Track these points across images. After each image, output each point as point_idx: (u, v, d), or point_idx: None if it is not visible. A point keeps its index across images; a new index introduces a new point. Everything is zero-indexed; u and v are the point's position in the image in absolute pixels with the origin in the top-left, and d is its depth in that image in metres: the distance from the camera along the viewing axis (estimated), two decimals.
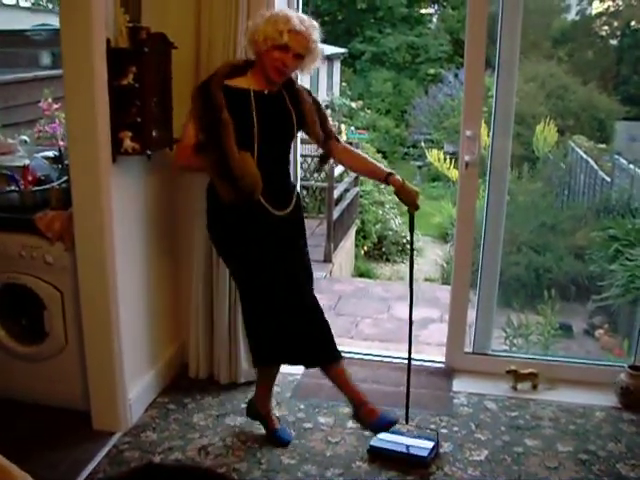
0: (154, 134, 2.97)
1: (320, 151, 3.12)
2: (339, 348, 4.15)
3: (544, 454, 3.06)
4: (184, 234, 3.52)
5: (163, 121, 3.08)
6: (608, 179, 6.08)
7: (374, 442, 3.06)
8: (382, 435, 3.08)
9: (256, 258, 2.87)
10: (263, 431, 3.18)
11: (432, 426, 3.24)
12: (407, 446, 3.03)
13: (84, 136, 2.78)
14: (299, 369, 3.76)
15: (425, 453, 2.97)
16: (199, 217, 3.38)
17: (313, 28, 2.75)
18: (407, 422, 3.17)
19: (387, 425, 2.97)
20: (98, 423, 3.15)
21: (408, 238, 8.51)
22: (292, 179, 3.03)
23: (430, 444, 3.02)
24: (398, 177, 2.98)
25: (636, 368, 3.46)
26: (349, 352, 4.02)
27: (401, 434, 3.12)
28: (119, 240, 2.96)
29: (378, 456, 3.02)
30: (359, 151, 3.33)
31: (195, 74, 3.23)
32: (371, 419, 2.98)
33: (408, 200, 2.98)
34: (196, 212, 3.39)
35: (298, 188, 3.22)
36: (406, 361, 3.87)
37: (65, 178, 3.16)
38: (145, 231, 3.26)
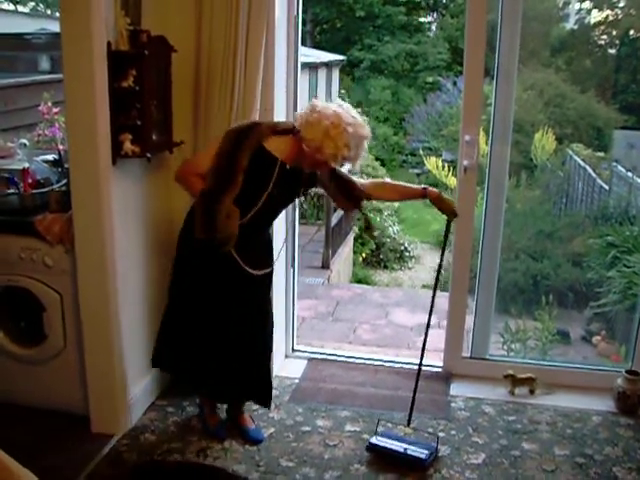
0: (154, 137, 2.99)
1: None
2: (340, 352, 4.19)
3: (541, 458, 3.07)
4: None
5: (163, 124, 3.09)
6: (606, 187, 6.10)
7: (373, 440, 3.07)
8: (383, 434, 3.12)
9: (204, 296, 2.94)
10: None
11: (430, 430, 3.25)
12: (406, 448, 3.04)
13: (84, 138, 2.79)
14: (297, 373, 3.78)
15: (424, 456, 2.98)
16: None
17: (363, 146, 2.74)
18: (409, 425, 3.18)
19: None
20: (97, 426, 3.15)
21: (406, 245, 8.56)
22: (272, 243, 3.06)
23: (430, 447, 3.04)
24: (432, 189, 3.04)
25: (633, 373, 3.47)
26: (348, 357, 4.04)
27: (402, 435, 3.14)
28: (119, 243, 2.97)
29: (376, 454, 3.04)
30: (384, 180, 3.36)
31: (195, 77, 3.25)
32: (250, 425, 3.20)
33: (446, 209, 3.03)
34: None
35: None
36: (404, 365, 3.90)
37: (65, 181, 3.17)
38: (145, 233, 3.26)
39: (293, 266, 3.85)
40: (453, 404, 3.51)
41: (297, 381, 3.70)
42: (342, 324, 5.32)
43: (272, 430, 3.24)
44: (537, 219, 6.00)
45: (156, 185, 3.31)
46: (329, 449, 3.11)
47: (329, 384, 3.67)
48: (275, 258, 3.09)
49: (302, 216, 9.24)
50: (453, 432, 3.26)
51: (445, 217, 3.09)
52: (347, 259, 8.78)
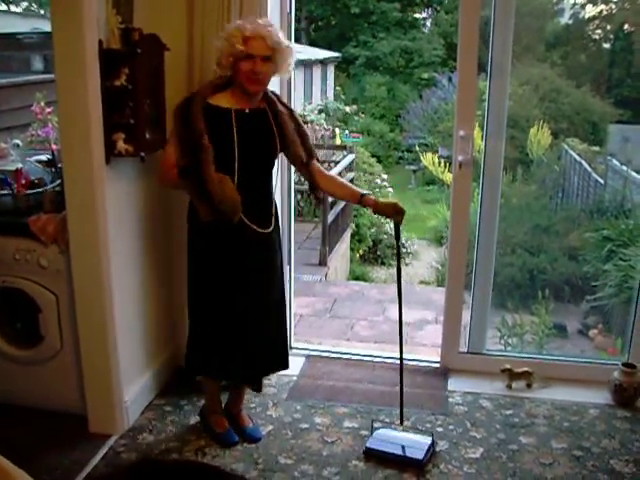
0: (147, 136, 2.98)
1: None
2: (337, 349, 4.19)
3: (538, 451, 3.08)
4: (179, 235, 3.51)
5: (156, 123, 3.09)
6: (601, 181, 6.11)
7: (370, 444, 3.07)
8: (378, 436, 3.10)
9: (223, 281, 2.91)
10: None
11: (428, 425, 3.26)
12: (403, 447, 3.04)
13: (77, 138, 2.79)
14: (295, 370, 3.78)
15: (421, 455, 2.97)
16: None
17: (269, 27, 2.73)
18: (402, 423, 3.18)
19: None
20: (94, 426, 3.15)
21: (403, 241, 8.56)
22: (273, 198, 3.00)
23: (426, 445, 3.03)
24: (371, 196, 2.98)
25: (629, 366, 3.47)
26: (345, 354, 4.04)
27: (397, 434, 3.14)
28: (113, 242, 2.97)
29: (374, 457, 3.03)
30: (332, 173, 3.34)
31: (188, 75, 3.24)
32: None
33: (388, 213, 3.00)
34: None
35: (279, 201, 3.26)
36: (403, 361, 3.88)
37: (58, 181, 3.16)
38: (139, 233, 3.26)
39: (289, 263, 3.85)
40: (451, 399, 3.51)
41: (295, 378, 3.70)
42: (340, 321, 5.31)
43: (270, 427, 3.24)
44: (533, 214, 6.01)
45: (150, 184, 3.30)
46: (327, 446, 3.11)
47: (327, 381, 3.67)
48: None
49: (299, 213, 9.24)
50: (451, 427, 3.26)
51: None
52: (344, 256, 8.78)
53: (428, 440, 3.06)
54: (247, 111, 2.80)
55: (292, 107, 3.01)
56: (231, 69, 2.75)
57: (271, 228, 2.92)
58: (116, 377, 3.10)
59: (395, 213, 2.97)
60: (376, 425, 3.19)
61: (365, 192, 3.01)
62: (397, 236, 3.13)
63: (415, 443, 3.06)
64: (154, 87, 3.05)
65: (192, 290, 3.02)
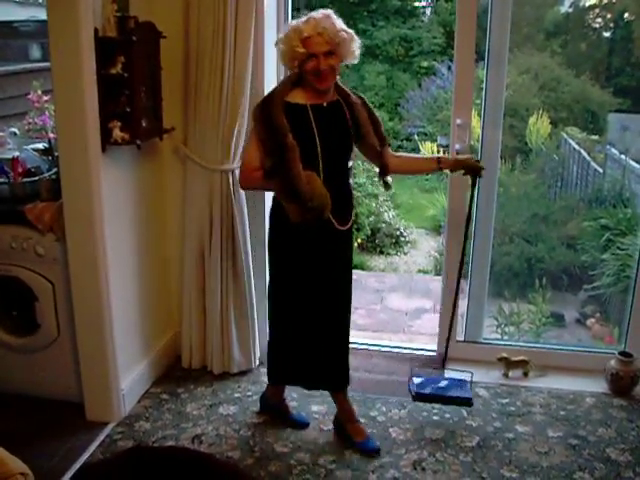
0: (144, 124, 2.98)
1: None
2: None
3: (535, 439, 3.09)
4: (174, 224, 3.53)
5: (152, 111, 3.09)
6: (600, 170, 6.08)
7: (417, 389, 3.27)
8: (421, 382, 3.35)
9: (306, 276, 2.87)
10: (256, 420, 3.21)
11: (424, 413, 3.26)
12: (449, 389, 3.31)
13: (73, 126, 2.78)
14: None
15: (469, 394, 3.29)
16: (190, 206, 3.39)
17: (325, 21, 2.67)
18: (444, 366, 3.49)
19: (372, 451, 3.00)
20: (91, 414, 3.16)
21: (401, 230, 8.55)
22: (352, 192, 2.95)
23: (468, 384, 3.35)
24: (445, 158, 3.07)
25: (626, 354, 3.48)
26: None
27: (440, 380, 3.40)
28: (110, 230, 2.97)
29: (424, 401, 3.28)
30: (401, 152, 3.32)
31: (185, 63, 3.24)
32: (359, 438, 3.04)
33: (468, 168, 3.08)
34: (187, 202, 3.40)
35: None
36: (399, 350, 3.90)
37: (55, 170, 3.16)
38: (136, 221, 3.26)
39: None
40: None
41: None
42: None
43: (267, 416, 3.25)
44: (532, 203, 5.99)
45: (147, 172, 3.30)
46: (324, 434, 3.12)
47: None
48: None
49: None
50: (447, 415, 3.27)
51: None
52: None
53: (468, 378, 3.35)
54: (325, 105, 2.77)
55: (362, 95, 2.96)
56: (298, 69, 2.73)
57: (348, 225, 2.90)
58: (113, 365, 3.11)
59: (474, 169, 3.08)
60: (414, 372, 3.38)
61: (438, 155, 3.06)
62: (472, 193, 3.23)
63: (457, 383, 3.34)
64: (150, 75, 3.05)
65: (275, 292, 2.99)
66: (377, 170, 3.03)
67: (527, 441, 3.08)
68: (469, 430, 3.15)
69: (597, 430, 3.17)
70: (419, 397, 3.26)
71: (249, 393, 3.42)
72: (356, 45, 2.77)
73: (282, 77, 3.53)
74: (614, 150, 6.10)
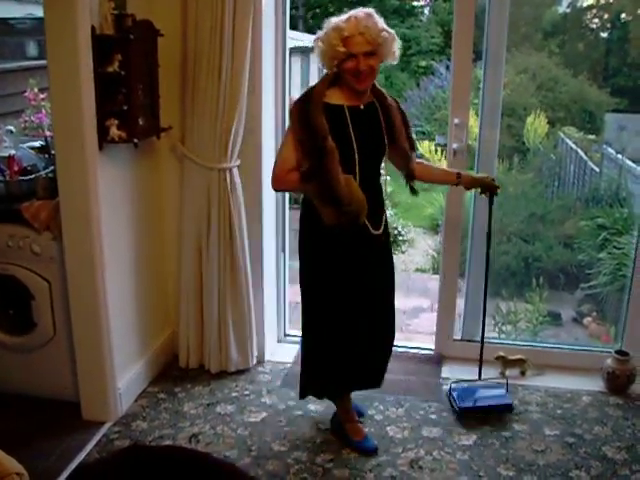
0: (141, 122, 2.97)
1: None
2: None
3: (532, 438, 3.09)
4: (172, 222, 3.52)
5: (150, 109, 3.08)
6: (597, 169, 6.09)
7: (460, 404, 3.27)
8: (462, 395, 3.34)
9: (342, 282, 2.80)
10: (252, 419, 3.20)
11: (421, 412, 3.27)
12: (491, 398, 3.34)
13: (70, 124, 2.77)
14: (289, 358, 3.78)
15: (509, 401, 3.32)
16: (187, 205, 3.39)
17: (367, 20, 2.59)
18: (480, 378, 3.44)
19: (370, 450, 2.99)
20: (88, 413, 3.16)
21: (399, 229, 8.56)
22: (384, 196, 2.90)
23: (504, 392, 3.37)
24: (466, 173, 3.07)
25: (622, 353, 3.49)
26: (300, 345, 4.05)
27: (477, 390, 3.40)
28: (107, 229, 2.96)
29: (471, 414, 3.24)
30: (423, 160, 3.27)
31: (182, 61, 3.23)
32: (357, 437, 3.03)
33: (484, 187, 3.09)
34: (184, 200, 3.40)
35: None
36: (398, 349, 3.89)
37: (51, 168, 3.15)
38: (133, 220, 3.25)
39: (284, 251, 3.85)
40: (445, 386, 3.52)
41: (289, 365, 3.70)
42: None
43: (264, 415, 3.25)
44: (529, 202, 5.99)
45: (144, 171, 3.30)
46: (321, 433, 3.12)
47: None
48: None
49: (295, 201, 9.21)
50: (444, 414, 3.27)
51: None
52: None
53: (503, 388, 3.40)
54: (362, 107, 2.71)
55: (396, 99, 2.89)
56: (336, 68, 2.65)
57: (382, 229, 2.82)
58: (109, 364, 3.10)
59: (490, 188, 3.10)
60: (453, 386, 3.40)
61: (458, 171, 3.07)
62: (490, 206, 3.20)
63: (496, 392, 3.37)
64: (148, 73, 3.04)
65: (315, 303, 2.91)
66: (404, 175, 2.95)
67: (524, 439, 3.08)
68: (466, 428, 3.15)
69: (593, 428, 3.17)
70: (464, 411, 3.24)
71: (246, 392, 3.42)
72: (397, 45, 2.69)
73: (279, 76, 3.54)
74: (611, 150, 6.11)
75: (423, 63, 18.45)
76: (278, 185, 2.79)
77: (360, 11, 2.62)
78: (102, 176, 2.89)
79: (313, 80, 16.11)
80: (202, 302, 3.49)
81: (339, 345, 2.88)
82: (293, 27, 17.53)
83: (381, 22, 2.63)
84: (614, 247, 4.63)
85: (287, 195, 3.81)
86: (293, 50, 12.55)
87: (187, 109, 3.27)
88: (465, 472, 2.86)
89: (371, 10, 2.64)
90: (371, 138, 2.72)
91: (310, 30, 18.58)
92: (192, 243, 3.41)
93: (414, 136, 2.93)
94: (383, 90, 2.84)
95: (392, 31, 2.65)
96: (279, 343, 3.96)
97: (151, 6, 3.10)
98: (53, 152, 3.08)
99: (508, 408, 3.29)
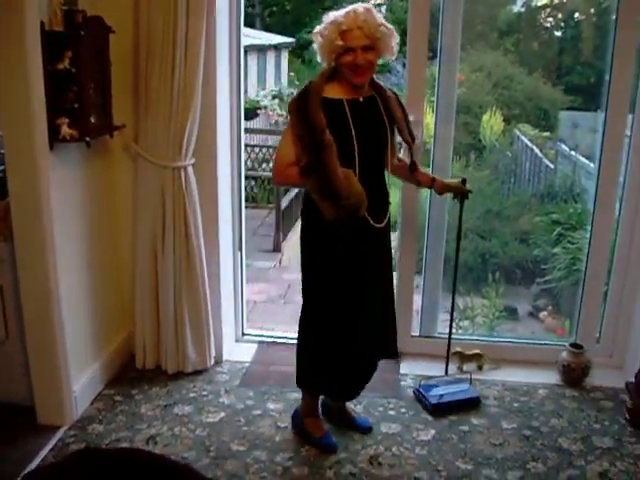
0: (93, 120, 2.92)
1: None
2: (290, 335, 4.18)
3: (489, 431, 3.13)
4: (126, 222, 3.47)
5: (102, 107, 3.03)
6: (552, 166, 6.19)
7: (433, 401, 3.29)
8: (432, 392, 3.35)
9: (342, 276, 2.79)
10: (211, 419, 3.18)
11: (380, 409, 3.28)
12: (460, 393, 3.37)
13: (19, 123, 2.70)
14: (247, 357, 3.77)
15: (476, 394, 3.37)
16: (142, 205, 3.34)
17: (366, 14, 2.60)
18: (447, 374, 3.49)
19: (330, 447, 2.99)
20: (43, 417, 3.09)
21: None
22: (388, 190, 2.88)
23: (468, 386, 3.42)
24: (440, 179, 3.14)
25: (577, 346, 3.55)
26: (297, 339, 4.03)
27: (445, 385, 3.42)
28: (59, 230, 2.90)
29: (442, 410, 3.26)
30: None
31: (135, 59, 3.19)
32: (317, 434, 3.03)
33: (456, 192, 3.20)
34: (139, 200, 3.36)
35: (229, 187, 3.23)
36: None
37: (1, 168, 3.08)
38: (86, 220, 3.20)
39: (240, 249, 3.82)
40: (403, 382, 3.54)
41: (247, 365, 3.69)
42: (294, 307, 5.27)
43: (223, 415, 3.22)
44: (486, 198, 6.05)
45: (97, 170, 3.24)
46: (280, 431, 3.11)
47: (279, 367, 3.66)
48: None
49: (253, 199, 9.17)
50: (403, 410, 3.29)
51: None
52: (299, 242, 8.73)
53: (467, 382, 3.45)
54: (361, 100, 2.71)
55: (396, 93, 2.88)
56: (335, 62, 2.66)
57: (385, 221, 2.82)
58: (64, 367, 3.04)
59: (460, 192, 3.20)
60: (422, 382, 3.43)
61: (434, 176, 3.16)
62: (460, 213, 3.31)
63: (461, 386, 3.41)
64: (99, 70, 2.99)
65: (315, 296, 2.88)
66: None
67: (482, 433, 3.11)
68: (425, 424, 3.18)
69: (550, 420, 3.22)
70: (437, 409, 3.26)
71: (204, 392, 3.39)
72: (395, 41, 2.71)
73: (234, 74, 3.51)
74: (565, 147, 6.21)
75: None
76: (278, 180, 2.86)
77: (359, 6, 2.63)
78: (53, 176, 2.83)
79: (269, 77, 16.09)
80: (158, 302, 3.45)
81: (337, 341, 2.86)
82: (250, 25, 17.46)
83: (380, 17, 2.65)
84: (568, 242, 4.71)
85: (242, 194, 3.78)
86: (249, 48, 12.52)
87: (140, 107, 3.22)
88: (424, 467, 2.87)
89: (370, 5, 2.66)
90: (372, 131, 2.72)
91: (267, 28, 18.54)
92: (147, 243, 3.37)
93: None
94: (381, 83, 2.85)
95: (391, 26, 2.66)
96: (237, 342, 3.94)
97: (102, 2, 3.03)
98: (2, 151, 3.02)
99: (476, 401, 3.34)
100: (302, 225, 2.86)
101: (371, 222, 2.74)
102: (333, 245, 2.76)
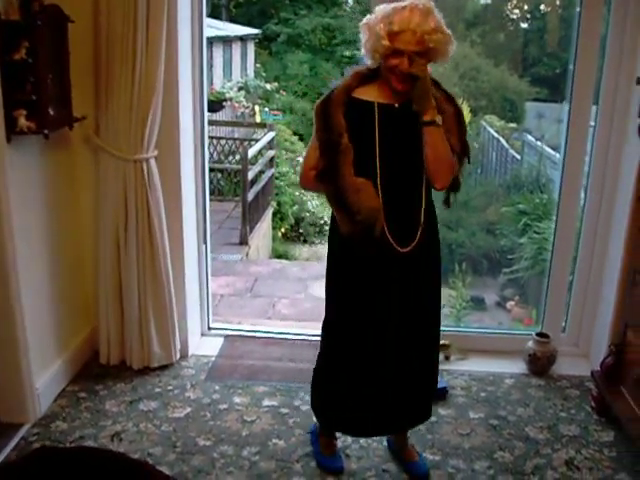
0: (51, 112, 2.85)
1: None
2: (257, 328, 4.14)
3: (456, 422, 3.14)
4: (88, 216, 3.41)
5: (61, 99, 2.96)
6: (518, 156, 6.24)
7: None
8: None
9: (357, 302, 2.52)
10: (177, 414, 3.14)
11: None
12: None
13: None
14: (213, 351, 3.73)
15: (444, 384, 3.30)
16: (103, 198, 3.28)
17: (422, 17, 2.26)
18: None
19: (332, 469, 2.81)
20: (4, 415, 3.02)
21: (326, 219, 8.57)
22: (427, 205, 2.48)
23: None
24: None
25: (543, 335, 3.57)
26: (265, 332, 4.02)
27: None
28: (18, 225, 2.82)
29: None
30: None
31: (94, 49, 3.12)
32: (326, 452, 2.86)
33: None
34: (100, 193, 3.30)
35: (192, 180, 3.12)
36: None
37: None
38: (46, 214, 3.13)
39: (205, 242, 3.78)
40: None
41: (213, 359, 3.65)
42: (261, 300, 5.28)
43: (188, 410, 3.19)
44: None
45: (56, 163, 3.18)
46: (247, 425, 3.09)
47: (246, 360, 3.64)
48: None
49: (219, 192, 9.12)
50: None
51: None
52: (266, 235, 8.73)
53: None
54: (396, 106, 2.39)
55: (451, 93, 2.49)
56: (380, 61, 2.37)
57: (413, 245, 2.43)
58: (25, 363, 2.97)
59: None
60: None
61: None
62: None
63: None
64: (57, 61, 2.92)
65: (331, 319, 2.65)
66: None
67: (449, 423, 3.12)
68: None
69: (516, 410, 3.24)
70: None
71: (170, 387, 3.35)
72: (452, 48, 2.36)
73: (197, 65, 3.46)
74: (531, 137, 6.27)
75: (347, 53, 18.52)
76: (302, 183, 2.62)
77: (420, 3, 2.30)
78: (11, 169, 2.75)
79: (235, 69, 15.99)
80: (122, 297, 3.39)
81: (351, 375, 2.60)
82: (215, 16, 17.34)
83: (438, 20, 2.31)
84: (534, 232, 4.75)
85: (207, 187, 3.73)
86: (215, 39, 12.43)
87: (101, 98, 3.16)
88: (392, 458, 2.87)
89: (431, 4, 2.32)
90: (404, 141, 2.40)
91: (233, 19, 18.42)
92: (110, 236, 3.30)
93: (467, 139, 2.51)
94: (446, 90, 2.49)
95: (449, 32, 2.33)
96: (203, 337, 3.89)
97: None
98: None
99: (443, 392, 3.30)
100: (328, 242, 2.64)
101: (395, 246, 2.42)
102: (349, 263, 2.51)
